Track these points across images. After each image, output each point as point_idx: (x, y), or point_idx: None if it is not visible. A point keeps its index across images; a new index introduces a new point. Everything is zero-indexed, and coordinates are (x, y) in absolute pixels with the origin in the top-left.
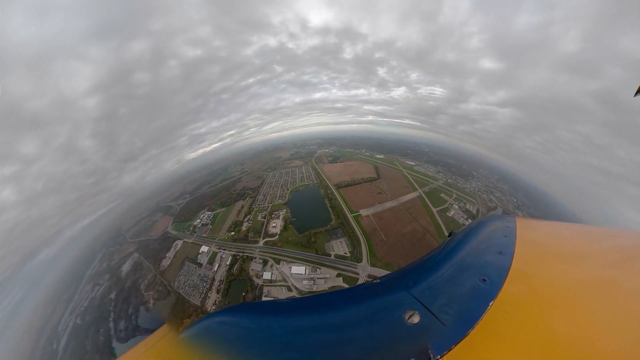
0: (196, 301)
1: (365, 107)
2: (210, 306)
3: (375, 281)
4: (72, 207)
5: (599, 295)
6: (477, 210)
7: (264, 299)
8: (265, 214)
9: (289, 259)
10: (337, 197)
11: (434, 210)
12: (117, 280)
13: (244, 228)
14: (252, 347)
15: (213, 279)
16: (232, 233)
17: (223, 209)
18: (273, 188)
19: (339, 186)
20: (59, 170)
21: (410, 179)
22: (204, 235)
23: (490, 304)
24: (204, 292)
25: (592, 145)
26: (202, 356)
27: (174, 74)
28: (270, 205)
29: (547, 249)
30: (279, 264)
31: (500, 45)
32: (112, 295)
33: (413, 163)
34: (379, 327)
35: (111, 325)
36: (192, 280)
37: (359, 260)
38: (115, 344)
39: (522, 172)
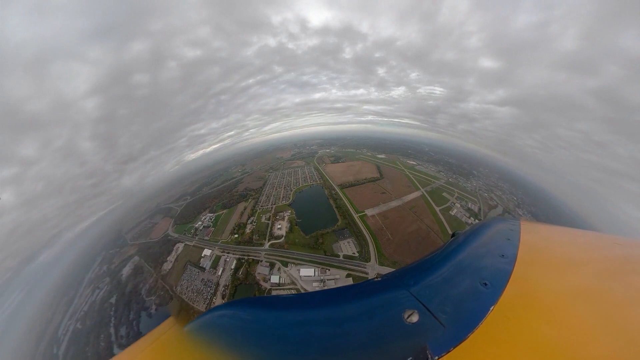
0: (200, 307)
1: (365, 107)
2: None
3: (376, 279)
4: (72, 209)
5: (602, 305)
6: (479, 209)
7: None
8: (270, 216)
9: (297, 261)
10: (342, 197)
11: (437, 209)
12: (118, 284)
13: (247, 230)
14: (254, 340)
15: (217, 284)
16: (236, 235)
17: (225, 211)
18: (276, 189)
19: (343, 186)
20: (58, 172)
21: (413, 178)
22: (206, 238)
23: (491, 309)
24: (209, 297)
25: (592, 142)
26: (206, 348)
27: (173, 75)
28: (274, 206)
29: (551, 255)
30: (286, 267)
31: (499, 44)
32: (113, 300)
33: (414, 162)
34: (378, 324)
35: (112, 331)
36: (196, 285)
37: (368, 259)
38: (116, 350)
39: (522, 171)
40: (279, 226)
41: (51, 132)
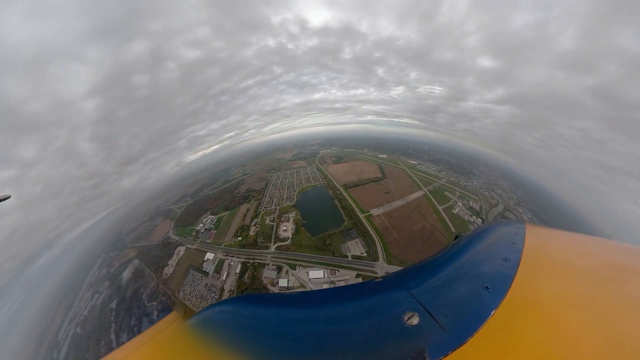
0: None
1: (364, 106)
2: None
3: (377, 279)
4: (72, 211)
5: (605, 314)
6: (480, 207)
7: None
8: (274, 217)
9: (305, 264)
10: (347, 197)
11: (440, 208)
12: (118, 288)
13: (251, 232)
14: (254, 337)
15: (222, 289)
16: (239, 238)
17: (227, 213)
18: (279, 190)
19: (346, 186)
20: (58, 174)
21: (415, 178)
22: (208, 241)
23: (492, 313)
24: (213, 303)
25: (591, 140)
26: (208, 343)
27: (173, 76)
28: (277, 207)
29: (556, 261)
30: (294, 270)
31: (498, 44)
32: (113, 305)
33: (415, 162)
34: (378, 325)
35: (113, 337)
36: (199, 291)
37: (376, 259)
38: None
39: (522, 169)
40: (284, 228)
41: (50, 133)
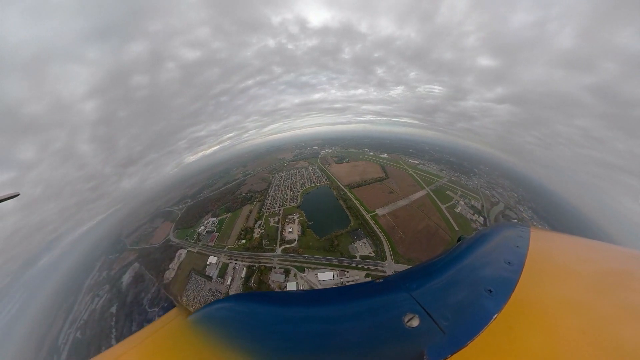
0: None
1: (364, 106)
2: None
3: (378, 280)
4: (72, 213)
5: (609, 322)
6: (482, 206)
7: None
8: (279, 219)
9: (313, 266)
10: (352, 197)
11: (443, 207)
12: (118, 292)
13: (256, 235)
14: (254, 333)
15: (227, 294)
16: (243, 241)
17: (229, 214)
18: (282, 190)
19: (350, 187)
20: (57, 176)
21: (417, 177)
22: (210, 244)
23: (494, 317)
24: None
25: (590, 138)
26: (209, 338)
27: (172, 77)
28: (281, 209)
29: (561, 265)
30: (303, 272)
31: (497, 43)
32: (113, 310)
33: (417, 162)
34: (378, 326)
35: (113, 343)
36: (203, 296)
37: (384, 258)
38: None
39: (522, 167)
40: (289, 230)
41: (50, 134)
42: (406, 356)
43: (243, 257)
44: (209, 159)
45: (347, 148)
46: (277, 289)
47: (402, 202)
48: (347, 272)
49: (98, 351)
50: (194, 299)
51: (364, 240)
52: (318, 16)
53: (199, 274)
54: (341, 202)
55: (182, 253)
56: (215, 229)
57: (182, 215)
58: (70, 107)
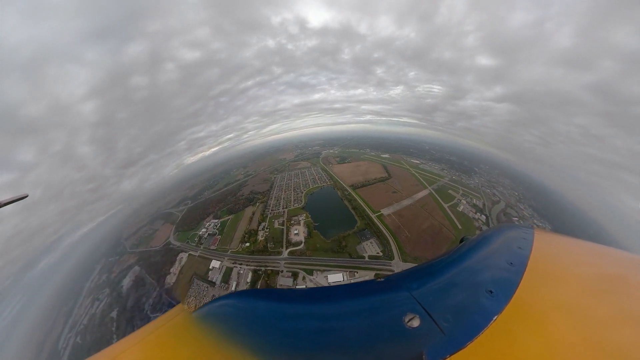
0: None
1: (364, 106)
2: None
3: (379, 279)
4: (72, 215)
5: (611, 327)
6: (483, 204)
7: None
8: (283, 220)
9: (322, 268)
10: (356, 198)
11: (445, 206)
12: (118, 296)
13: (260, 237)
14: (257, 330)
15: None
16: (247, 244)
17: (231, 217)
18: (285, 191)
19: (354, 187)
20: (57, 177)
21: (419, 177)
22: (212, 247)
23: (494, 318)
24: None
25: (590, 136)
26: (213, 334)
27: (172, 77)
28: (286, 210)
29: (563, 268)
30: (312, 275)
31: (496, 43)
32: (114, 314)
33: (418, 161)
34: (378, 325)
35: None
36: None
37: (392, 257)
38: None
39: (522, 166)
40: (295, 231)
41: (49, 136)
42: (405, 356)
43: (248, 261)
44: (209, 160)
45: (348, 148)
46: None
47: (406, 202)
48: (357, 272)
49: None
50: (196, 307)
51: (372, 240)
52: (318, 17)
53: (201, 279)
54: (346, 203)
55: (183, 257)
56: (217, 231)
57: (183, 217)
58: (70, 108)
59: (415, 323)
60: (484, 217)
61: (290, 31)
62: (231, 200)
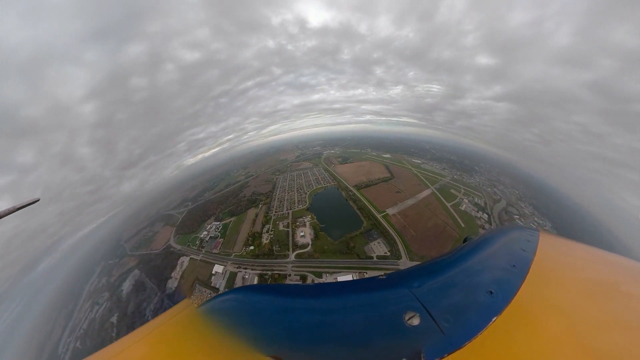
0: None
1: (363, 106)
2: None
3: (381, 277)
4: (71, 216)
5: (612, 336)
6: (485, 203)
7: None
8: (288, 222)
9: (331, 270)
10: (361, 198)
11: (448, 205)
12: (118, 301)
13: (265, 240)
14: (261, 324)
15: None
16: (252, 247)
17: (233, 219)
18: (288, 192)
19: (358, 187)
20: (56, 179)
21: (421, 176)
22: (214, 251)
23: (493, 319)
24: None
25: (589, 134)
26: (218, 328)
27: (171, 78)
28: (290, 211)
29: (567, 273)
30: (321, 278)
31: (495, 42)
32: (114, 320)
33: (419, 161)
34: (379, 322)
35: None
36: None
37: (399, 257)
38: None
39: (522, 164)
40: (301, 233)
41: (48, 137)
42: (404, 353)
43: (253, 265)
44: (209, 161)
45: (349, 148)
46: None
47: (410, 202)
48: (366, 273)
49: None
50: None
51: (379, 240)
52: (318, 17)
53: (203, 284)
54: (351, 203)
55: (185, 261)
56: (219, 234)
57: (183, 220)
58: (69, 109)
59: (416, 321)
60: (486, 215)
61: (290, 31)
62: (232, 201)
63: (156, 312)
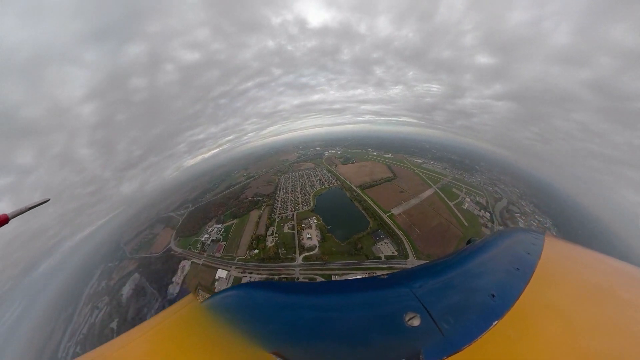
0: None
1: (363, 106)
2: None
3: (382, 276)
4: (71, 218)
5: (612, 344)
6: (486, 202)
7: None
8: (293, 224)
9: (340, 272)
10: (366, 198)
11: (451, 204)
12: (118, 306)
13: (270, 243)
14: (262, 321)
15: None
16: (256, 251)
17: (235, 221)
18: (291, 193)
19: (362, 187)
20: (56, 180)
21: (423, 176)
22: (217, 255)
23: (494, 323)
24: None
25: (589, 132)
26: (220, 323)
27: (171, 79)
28: (295, 213)
29: (572, 279)
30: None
31: (494, 42)
32: (114, 325)
33: (420, 161)
34: (379, 321)
35: None
36: None
37: (407, 256)
38: None
39: (522, 163)
40: (308, 235)
41: (47, 139)
42: (403, 354)
43: (258, 270)
44: (209, 162)
45: (350, 148)
46: None
47: (414, 201)
48: (375, 274)
49: None
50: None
51: (386, 240)
52: (317, 17)
53: (207, 290)
54: (356, 204)
55: (186, 265)
56: (221, 237)
57: (183, 222)
58: (68, 110)
59: (416, 322)
60: (488, 214)
61: (290, 32)
62: (234, 203)
63: None
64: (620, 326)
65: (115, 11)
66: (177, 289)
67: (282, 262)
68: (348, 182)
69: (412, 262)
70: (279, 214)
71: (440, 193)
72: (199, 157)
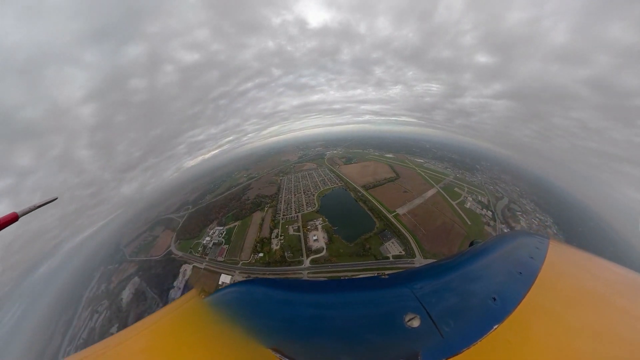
0: None
1: (363, 106)
2: None
3: (383, 276)
4: (71, 219)
5: (614, 351)
6: (488, 201)
7: None
8: (299, 226)
9: (349, 274)
10: (370, 199)
11: (453, 203)
12: (118, 310)
13: (275, 246)
14: (263, 317)
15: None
16: (261, 254)
17: (237, 223)
18: (295, 194)
19: (366, 187)
20: (55, 182)
21: (425, 176)
22: (219, 258)
23: (494, 327)
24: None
25: (588, 129)
26: (223, 319)
27: (171, 80)
28: (299, 214)
29: (575, 285)
30: None
31: (493, 41)
32: (114, 330)
33: (422, 160)
34: (379, 321)
35: None
36: None
37: (414, 255)
38: None
39: (522, 161)
40: (314, 237)
41: (47, 140)
42: (402, 355)
43: (264, 274)
44: (209, 163)
45: (351, 148)
46: None
47: (417, 201)
48: (384, 274)
49: None
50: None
51: (393, 240)
52: (317, 17)
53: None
54: (361, 204)
55: (187, 269)
56: (223, 240)
57: (184, 224)
58: (68, 111)
59: (415, 323)
60: (490, 213)
61: (290, 32)
62: (236, 205)
63: None
64: (622, 336)
65: (115, 11)
66: (179, 294)
67: (289, 265)
68: (352, 182)
69: (419, 261)
70: (283, 215)
71: (443, 192)
72: (199, 158)
